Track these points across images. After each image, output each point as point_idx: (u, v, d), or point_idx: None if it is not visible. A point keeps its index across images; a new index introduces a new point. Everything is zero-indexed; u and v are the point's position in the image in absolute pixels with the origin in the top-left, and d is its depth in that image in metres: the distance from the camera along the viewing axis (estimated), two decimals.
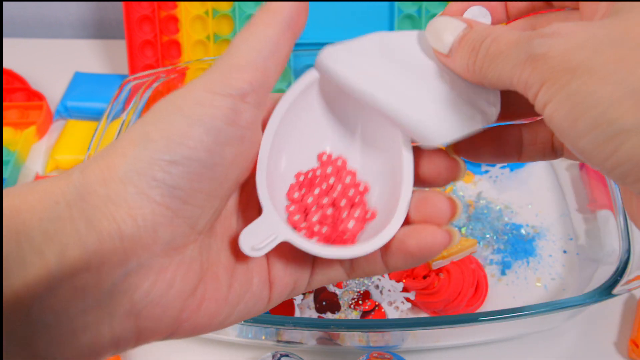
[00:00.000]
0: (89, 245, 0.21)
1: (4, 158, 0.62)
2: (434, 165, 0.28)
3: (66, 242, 0.20)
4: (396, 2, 0.66)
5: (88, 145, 0.53)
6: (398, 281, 0.49)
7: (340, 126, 0.30)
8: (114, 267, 0.21)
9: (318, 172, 0.29)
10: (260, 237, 0.25)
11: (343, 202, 0.28)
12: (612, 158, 0.20)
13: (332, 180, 0.29)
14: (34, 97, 0.69)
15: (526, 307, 0.42)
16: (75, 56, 0.78)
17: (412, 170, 0.27)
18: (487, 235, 0.55)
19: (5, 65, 0.73)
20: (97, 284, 0.21)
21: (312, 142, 0.30)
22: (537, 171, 0.61)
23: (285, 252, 0.27)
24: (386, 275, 0.50)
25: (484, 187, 0.60)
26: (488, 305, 0.50)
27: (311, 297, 0.50)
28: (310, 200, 0.28)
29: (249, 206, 0.28)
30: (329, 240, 0.27)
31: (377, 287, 0.50)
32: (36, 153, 0.66)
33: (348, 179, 0.29)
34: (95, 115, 0.68)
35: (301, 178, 0.29)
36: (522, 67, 0.22)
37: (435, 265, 0.48)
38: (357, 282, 0.50)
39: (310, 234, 0.27)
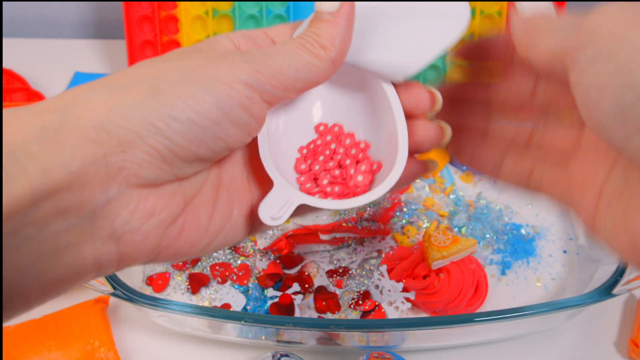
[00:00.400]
0: (72, 167, 0.22)
1: None
2: (413, 97, 0.30)
3: (50, 162, 0.21)
4: None
5: None
6: (398, 281, 0.49)
7: (329, 94, 0.32)
8: (96, 192, 0.22)
9: (319, 142, 0.31)
10: (277, 206, 0.27)
11: (348, 161, 0.30)
12: None
13: (333, 146, 0.31)
14: (34, 97, 0.69)
15: (526, 307, 0.42)
16: (75, 56, 0.78)
17: (402, 111, 0.30)
18: (487, 235, 0.55)
19: (5, 65, 0.73)
20: (79, 206, 0.22)
21: (307, 116, 0.32)
22: None
23: (269, 188, 0.29)
24: (386, 275, 0.50)
25: (484, 187, 0.60)
26: (488, 305, 0.50)
27: (311, 297, 0.50)
28: (317, 167, 0.30)
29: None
30: (342, 195, 0.29)
31: (377, 287, 0.50)
32: None
33: (348, 141, 0.31)
34: None
35: (304, 151, 0.31)
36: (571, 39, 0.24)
37: (435, 265, 0.48)
38: (357, 282, 0.50)
39: (324, 195, 0.29)
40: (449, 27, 0.29)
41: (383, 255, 0.52)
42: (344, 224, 0.49)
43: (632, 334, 0.48)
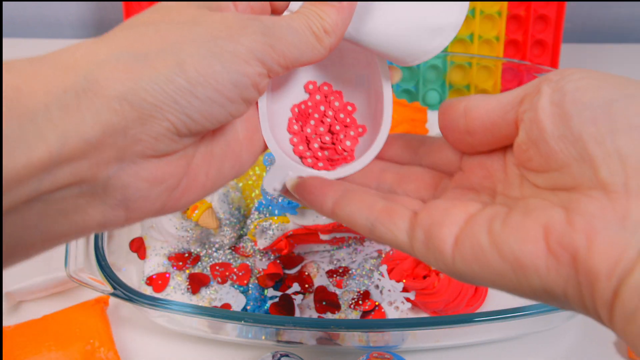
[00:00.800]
0: (91, 137, 0.22)
1: None
2: None
3: (70, 130, 0.21)
4: None
5: None
6: (398, 281, 0.49)
7: None
8: (111, 161, 0.23)
9: (309, 103, 0.34)
10: (278, 180, 0.31)
11: (337, 127, 0.33)
12: None
13: (322, 108, 0.34)
14: None
15: (526, 307, 0.42)
16: None
17: (388, 73, 0.32)
18: None
19: None
20: (93, 174, 0.23)
21: (297, 75, 0.34)
22: None
23: (254, 128, 0.31)
24: (386, 275, 0.50)
25: None
26: (488, 305, 0.50)
27: (311, 297, 0.50)
28: (309, 130, 0.33)
29: None
30: (332, 160, 0.33)
31: (377, 287, 0.50)
32: None
33: (337, 104, 0.34)
34: None
35: (296, 110, 0.34)
36: None
37: None
38: (357, 282, 0.50)
39: (315, 159, 0.33)
40: (453, 6, 0.29)
41: (383, 255, 0.52)
42: (344, 224, 0.49)
43: None
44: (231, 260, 0.52)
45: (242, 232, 0.54)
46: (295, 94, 0.34)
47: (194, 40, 0.25)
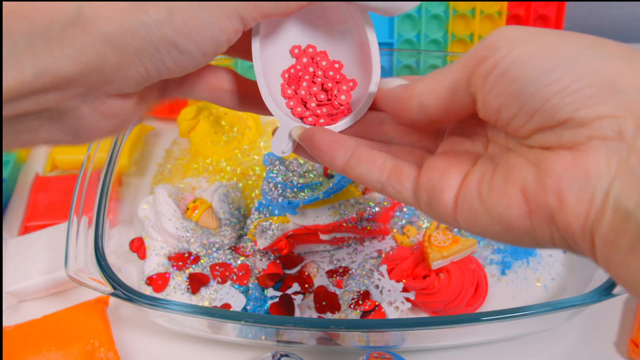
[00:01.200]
0: (67, 74, 0.22)
1: (4, 158, 0.62)
2: None
3: (48, 64, 0.22)
4: None
5: (87, 146, 0.53)
6: (398, 281, 0.49)
7: (300, 18, 0.34)
8: (77, 96, 0.24)
9: (298, 67, 0.35)
10: (284, 142, 0.33)
11: (330, 84, 0.35)
12: None
13: (311, 69, 0.35)
14: None
15: (526, 307, 0.42)
16: None
17: (373, 28, 0.33)
18: None
19: None
20: (57, 104, 0.23)
21: (282, 40, 0.34)
22: None
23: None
24: (386, 275, 0.50)
25: None
26: (488, 305, 0.50)
27: (311, 297, 0.50)
28: (303, 92, 0.34)
29: None
30: (331, 115, 0.34)
31: (377, 287, 0.50)
32: (36, 153, 0.66)
33: (324, 63, 0.35)
34: None
35: (286, 75, 0.35)
36: None
37: (435, 265, 0.48)
38: (357, 282, 0.50)
39: (316, 117, 0.34)
40: None
41: (383, 255, 0.52)
42: (344, 224, 0.49)
43: (632, 334, 0.48)
44: (231, 260, 0.52)
45: (242, 232, 0.54)
46: (282, 59, 0.35)
47: None
